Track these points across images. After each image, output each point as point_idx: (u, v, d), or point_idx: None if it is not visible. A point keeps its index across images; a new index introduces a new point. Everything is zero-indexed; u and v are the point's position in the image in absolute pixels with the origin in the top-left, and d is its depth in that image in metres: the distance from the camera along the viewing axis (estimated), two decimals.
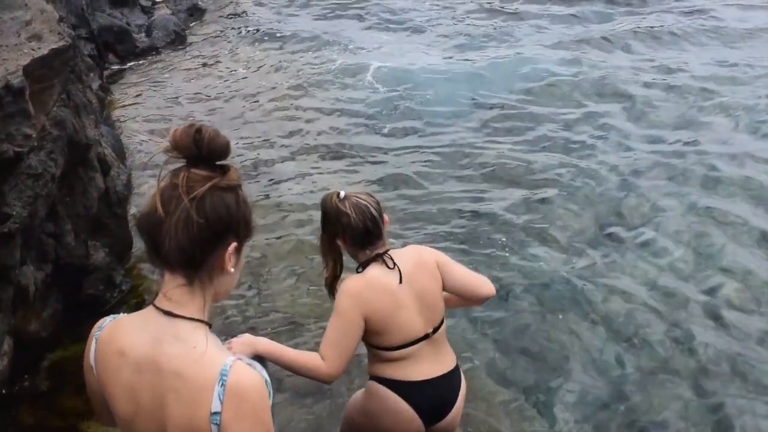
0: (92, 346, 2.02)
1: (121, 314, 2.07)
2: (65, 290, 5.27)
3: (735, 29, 11.44)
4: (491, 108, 9.34)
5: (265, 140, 8.76)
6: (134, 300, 5.83)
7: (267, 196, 7.42)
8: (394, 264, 3.27)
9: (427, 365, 3.33)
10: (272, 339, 3.27)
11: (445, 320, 3.42)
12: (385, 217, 3.32)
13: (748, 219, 6.84)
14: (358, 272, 3.32)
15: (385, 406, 3.34)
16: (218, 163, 1.90)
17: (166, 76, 10.75)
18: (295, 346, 3.66)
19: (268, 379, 1.94)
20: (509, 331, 5.53)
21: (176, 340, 1.88)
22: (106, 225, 5.96)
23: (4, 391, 4.51)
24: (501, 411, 4.82)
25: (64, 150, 4.87)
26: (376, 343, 3.30)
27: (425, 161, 8.19)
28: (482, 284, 3.45)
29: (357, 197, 3.24)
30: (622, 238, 6.67)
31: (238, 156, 8.13)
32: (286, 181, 7.78)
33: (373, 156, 8.33)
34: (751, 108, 8.97)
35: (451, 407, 3.40)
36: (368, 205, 3.22)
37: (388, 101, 9.63)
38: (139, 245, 6.50)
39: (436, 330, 3.35)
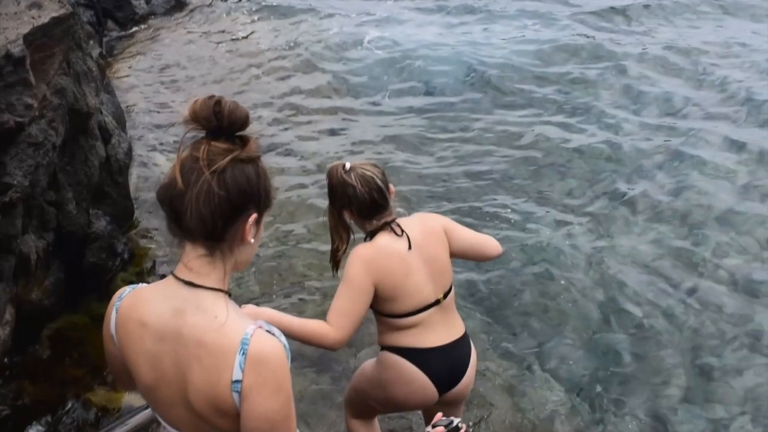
0: (112, 316, 2.04)
1: (141, 284, 2.08)
2: (67, 259, 5.26)
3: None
4: (489, 74, 9.30)
5: (266, 103, 8.75)
6: (135, 269, 5.84)
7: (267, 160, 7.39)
8: (402, 231, 3.27)
9: (438, 332, 3.32)
10: (277, 309, 3.27)
11: (453, 286, 3.43)
12: (391, 186, 3.31)
13: (750, 174, 6.90)
14: (366, 241, 3.33)
15: (399, 375, 3.32)
16: (238, 134, 1.90)
17: (166, 42, 10.68)
18: (300, 315, 3.65)
19: (287, 344, 1.94)
20: (504, 291, 5.58)
21: (198, 310, 1.90)
22: (107, 193, 5.95)
23: (6, 360, 4.53)
24: (495, 376, 4.88)
25: (65, 119, 4.85)
26: (387, 310, 3.28)
27: (423, 125, 8.21)
28: (489, 245, 3.46)
29: (363, 168, 3.22)
30: (618, 201, 6.72)
31: None
32: (287, 144, 7.79)
33: (373, 118, 8.35)
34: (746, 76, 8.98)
35: (463, 374, 3.40)
36: (374, 175, 3.20)
37: (386, 66, 9.60)
38: (140, 212, 6.53)
39: (446, 295, 3.35)
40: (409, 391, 3.34)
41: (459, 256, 3.47)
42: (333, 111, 8.56)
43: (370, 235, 3.29)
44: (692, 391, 4.76)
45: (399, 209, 3.38)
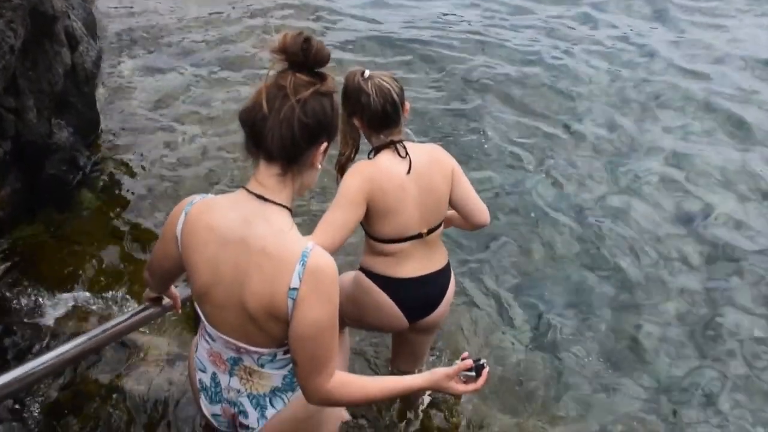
0: (181, 219, 2.23)
1: (210, 194, 2.28)
2: (25, 169, 5.04)
3: None
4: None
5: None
6: (99, 183, 5.64)
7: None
8: (407, 154, 3.21)
9: (415, 263, 3.34)
10: None
11: (443, 224, 3.39)
12: (407, 104, 3.23)
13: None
14: (369, 158, 3.25)
15: (370, 300, 3.38)
16: (317, 70, 2.10)
17: None
18: None
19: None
20: (491, 246, 5.46)
21: (265, 222, 2.11)
22: (71, 103, 5.69)
23: None
24: (475, 326, 4.78)
25: (26, 20, 4.58)
26: (372, 231, 3.28)
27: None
28: (480, 210, 3.41)
29: (381, 78, 3.15)
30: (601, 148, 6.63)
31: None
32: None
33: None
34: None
35: (437, 305, 3.44)
36: (391, 88, 3.14)
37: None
38: (106, 125, 6.30)
39: (431, 231, 3.32)
40: (378, 317, 3.42)
41: (451, 205, 3.40)
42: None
43: (375, 150, 3.25)
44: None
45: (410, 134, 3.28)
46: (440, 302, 3.44)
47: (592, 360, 4.56)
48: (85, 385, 3.93)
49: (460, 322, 4.69)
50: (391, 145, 3.22)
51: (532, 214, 5.76)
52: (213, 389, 2.45)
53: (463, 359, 2.25)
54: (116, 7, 8.63)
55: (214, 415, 2.51)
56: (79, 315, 4.42)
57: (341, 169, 3.31)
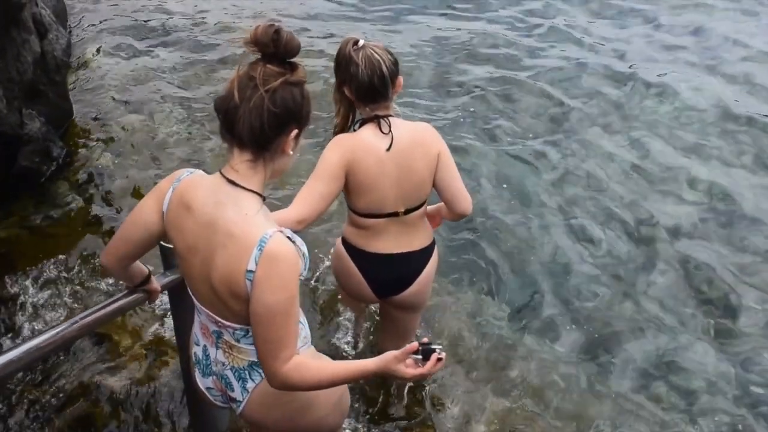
0: (169, 194, 2.33)
1: (196, 171, 2.38)
2: None
3: None
4: None
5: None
6: (73, 176, 5.53)
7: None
8: (390, 131, 3.16)
9: (388, 241, 3.33)
10: None
11: (425, 205, 3.33)
12: (399, 79, 3.16)
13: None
14: (353, 130, 3.23)
15: (342, 268, 3.47)
16: (289, 60, 2.19)
17: None
18: None
19: (306, 254, 2.28)
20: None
21: (234, 206, 2.21)
22: (42, 92, 5.56)
23: None
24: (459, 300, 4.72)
25: None
26: (350, 202, 3.30)
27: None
28: (463, 197, 3.32)
29: (373, 50, 3.08)
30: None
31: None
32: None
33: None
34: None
35: (408, 285, 3.41)
36: (381, 61, 3.06)
37: None
38: (79, 114, 6.18)
39: (409, 212, 3.28)
40: (349, 285, 3.52)
41: (434, 189, 3.35)
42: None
43: (360, 123, 3.22)
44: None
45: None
46: (412, 282, 3.41)
47: (579, 344, 4.51)
48: (65, 383, 3.87)
49: (447, 304, 4.62)
50: (376, 119, 3.17)
51: (523, 204, 5.66)
52: (204, 362, 2.58)
53: (422, 344, 2.25)
54: None
55: (208, 389, 2.62)
56: (56, 308, 4.34)
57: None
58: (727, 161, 6.16)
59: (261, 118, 2.14)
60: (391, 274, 3.40)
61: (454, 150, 3.73)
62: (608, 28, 8.56)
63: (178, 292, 3.04)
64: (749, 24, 8.64)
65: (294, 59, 2.21)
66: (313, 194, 3.06)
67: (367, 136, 3.16)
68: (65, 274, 4.60)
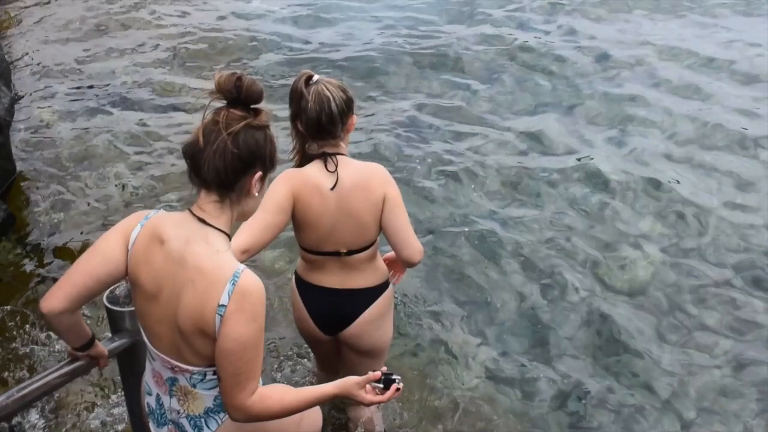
0: (136, 230, 2.34)
1: (162, 210, 2.41)
2: None
3: None
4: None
5: (161, 61, 8.24)
6: (16, 234, 5.36)
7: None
8: (335, 170, 3.13)
9: (329, 276, 3.33)
10: None
11: (372, 248, 3.28)
12: (353, 118, 3.17)
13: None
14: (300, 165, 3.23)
15: (293, 299, 3.48)
16: (252, 106, 2.28)
17: None
18: None
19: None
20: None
21: (204, 242, 2.26)
22: None
23: None
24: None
25: None
26: (296, 236, 3.31)
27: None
28: (409, 245, 3.23)
29: (325, 86, 3.07)
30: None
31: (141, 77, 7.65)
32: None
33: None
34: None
35: (349, 323, 3.36)
36: (331, 98, 3.05)
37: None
38: (24, 173, 6.01)
39: (351, 253, 3.25)
40: (297, 318, 3.50)
41: (383, 233, 3.29)
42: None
43: (308, 158, 3.19)
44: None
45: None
46: (353, 320, 3.35)
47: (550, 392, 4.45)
48: None
49: (404, 357, 4.52)
50: (323, 156, 3.14)
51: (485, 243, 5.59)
52: (158, 411, 2.54)
53: (384, 373, 2.43)
54: (33, 51, 8.36)
55: None
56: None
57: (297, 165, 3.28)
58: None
59: (224, 160, 2.21)
60: (331, 308, 3.36)
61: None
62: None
63: (127, 357, 2.92)
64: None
65: (258, 105, 2.29)
66: (259, 225, 3.03)
67: (313, 172, 3.14)
68: (8, 338, 4.43)
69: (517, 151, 6.71)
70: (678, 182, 6.20)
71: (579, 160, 6.53)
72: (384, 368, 2.46)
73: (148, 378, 2.54)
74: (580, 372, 4.52)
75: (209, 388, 2.39)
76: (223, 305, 2.19)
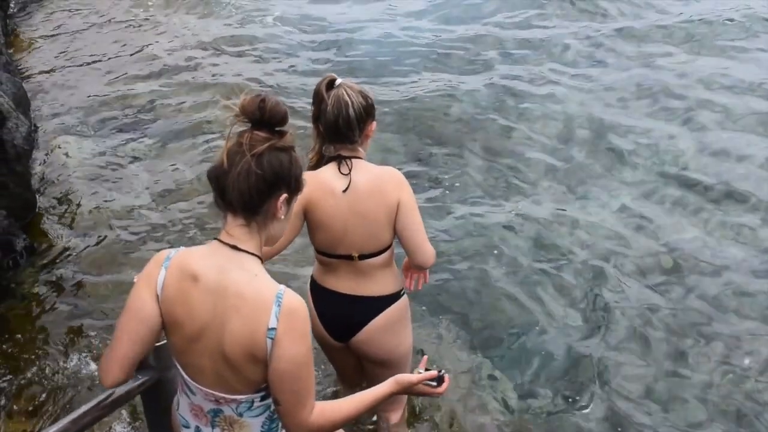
0: (161, 274, 2.32)
1: (182, 248, 2.39)
2: None
3: None
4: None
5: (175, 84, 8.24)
6: (39, 266, 5.32)
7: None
8: (349, 172, 3.18)
9: (341, 280, 3.35)
10: None
11: (385, 254, 3.30)
12: (372, 124, 3.22)
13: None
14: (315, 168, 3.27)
15: (308, 302, 3.41)
16: (277, 128, 2.26)
17: (83, 12, 10.06)
18: None
19: None
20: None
21: (239, 268, 2.26)
22: (3, 183, 5.41)
23: None
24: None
25: None
26: (310, 237, 3.34)
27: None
28: (422, 251, 3.29)
29: (346, 90, 3.13)
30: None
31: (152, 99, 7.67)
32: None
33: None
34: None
35: (358, 329, 3.37)
36: (350, 103, 3.10)
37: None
38: (44, 203, 5.99)
39: (364, 257, 3.27)
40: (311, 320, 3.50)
41: (397, 237, 3.33)
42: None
43: (326, 160, 3.24)
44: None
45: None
46: (362, 327, 3.36)
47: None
48: None
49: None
50: (338, 159, 3.20)
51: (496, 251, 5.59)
52: None
53: (427, 369, 2.54)
54: (51, 82, 8.35)
55: None
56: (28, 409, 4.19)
57: (311, 168, 3.30)
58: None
59: (248, 182, 2.20)
60: (340, 313, 3.38)
61: None
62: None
63: (152, 394, 2.92)
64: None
65: (283, 127, 2.28)
66: None
67: (327, 174, 3.19)
68: (36, 371, 4.44)
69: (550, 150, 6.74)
70: None
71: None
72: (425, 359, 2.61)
73: (183, 411, 2.51)
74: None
75: (256, 415, 2.38)
76: (272, 328, 2.20)
